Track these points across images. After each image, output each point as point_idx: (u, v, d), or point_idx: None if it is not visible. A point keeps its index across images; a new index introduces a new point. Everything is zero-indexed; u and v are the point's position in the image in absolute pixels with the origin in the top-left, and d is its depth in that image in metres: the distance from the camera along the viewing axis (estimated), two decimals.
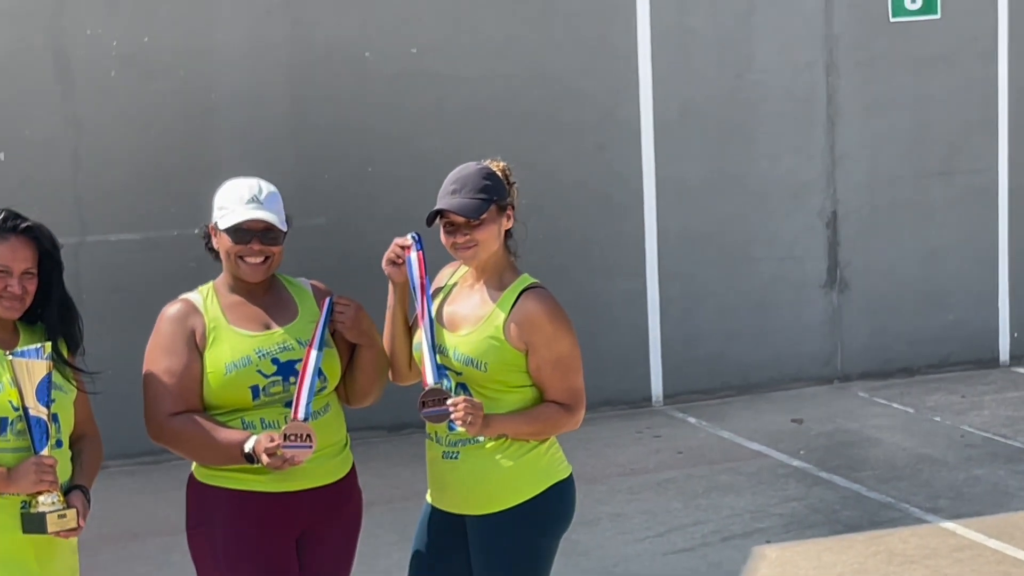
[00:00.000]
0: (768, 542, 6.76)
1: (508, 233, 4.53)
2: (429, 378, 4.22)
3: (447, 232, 4.19)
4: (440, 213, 4.25)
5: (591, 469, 7.84)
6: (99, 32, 7.80)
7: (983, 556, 6.71)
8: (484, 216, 4.36)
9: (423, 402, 4.26)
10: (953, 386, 9.53)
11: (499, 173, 4.51)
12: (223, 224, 4.40)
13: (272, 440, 4.29)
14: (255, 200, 4.46)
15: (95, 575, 5.67)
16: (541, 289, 4.40)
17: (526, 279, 4.38)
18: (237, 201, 4.45)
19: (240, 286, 4.52)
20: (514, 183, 4.59)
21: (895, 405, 9.06)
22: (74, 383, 4.53)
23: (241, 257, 4.42)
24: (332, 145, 8.17)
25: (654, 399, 8.99)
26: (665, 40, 8.81)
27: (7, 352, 4.32)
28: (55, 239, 4.41)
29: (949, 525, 7.03)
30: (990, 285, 9.87)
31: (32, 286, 4.33)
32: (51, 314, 4.47)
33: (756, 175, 9.10)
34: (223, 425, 4.47)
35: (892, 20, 9.34)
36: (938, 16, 9.37)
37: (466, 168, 4.49)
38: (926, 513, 7.28)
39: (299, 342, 4.44)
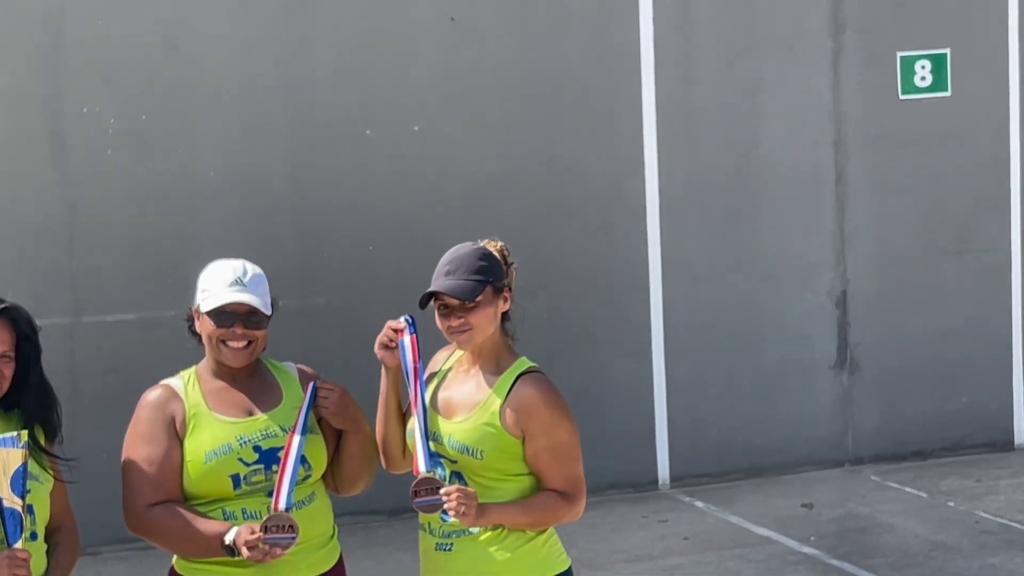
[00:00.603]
0: None
1: (505, 315, 4.45)
2: (421, 466, 4.11)
3: (441, 315, 4.08)
4: (434, 295, 4.17)
5: (594, 555, 7.75)
6: (96, 110, 7.74)
7: None
8: (479, 298, 4.25)
9: (415, 491, 4.13)
10: (967, 470, 9.39)
11: (496, 253, 4.42)
12: (205, 307, 4.32)
13: (253, 532, 4.19)
14: (239, 282, 4.39)
15: None
16: (539, 374, 4.30)
17: (523, 363, 4.29)
18: (220, 283, 4.37)
19: (223, 371, 4.45)
20: (512, 263, 4.51)
21: (908, 489, 8.94)
22: (51, 472, 4.41)
23: (223, 341, 4.36)
24: (332, 224, 8.14)
25: (660, 483, 8.91)
26: (670, 118, 8.82)
27: None
28: (33, 321, 4.34)
29: None
30: (1004, 365, 9.77)
31: (8, 370, 4.24)
32: (28, 399, 4.37)
33: (764, 255, 9.06)
34: (203, 516, 4.36)
35: (901, 98, 9.32)
36: (948, 94, 9.36)
37: (461, 248, 4.39)
38: None
39: (282, 428, 4.36)
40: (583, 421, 4.59)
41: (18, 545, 4.19)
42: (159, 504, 4.36)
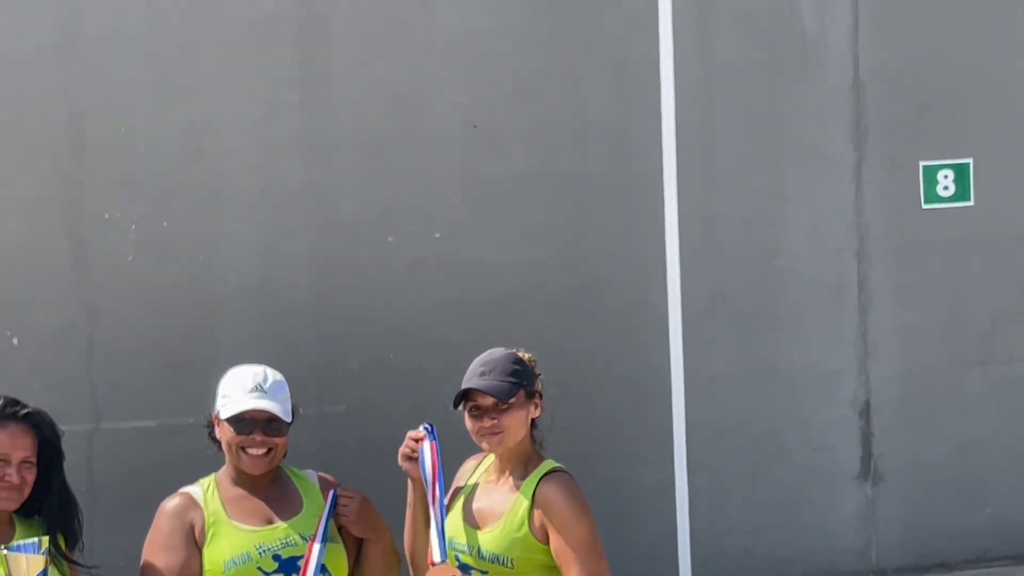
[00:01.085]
0: None
1: (534, 423, 4.48)
2: (436, 555, 4.11)
3: (473, 416, 4.09)
4: (466, 397, 4.15)
5: None
6: (117, 216, 7.73)
7: None
8: (513, 400, 4.28)
9: None
10: None
11: (527, 360, 4.50)
12: (225, 413, 4.41)
13: None
14: (259, 389, 4.46)
15: None
16: (562, 472, 4.29)
17: (549, 464, 4.28)
18: (240, 389, 4.45)
19: (242, 478, 4.48)
20: (539, 375, 4.56)
21: None
22: None
23: (243, 448, 4.41)
24: (353, 331, 8.08)
25: None
26: (692, 225, 8.77)
27: (2, 546, 4.21)
28: (56, 426, 4.48)
29: None
30: None
31: (31, 476, 4.32)
32: (50, 506, 4.43)
33: (786, 363, 8.97)
34: None
35: (924, 207, 9.23)
36: (971, 203, 9.27)
37: (495, 352, 4.47)
38: None
39: (302, 537, 4.37)
40: (604, 528, 4.58)
41: None
42: None
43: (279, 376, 4.60)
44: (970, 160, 9.18)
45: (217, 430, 4.58)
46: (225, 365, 5.01)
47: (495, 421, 4.28)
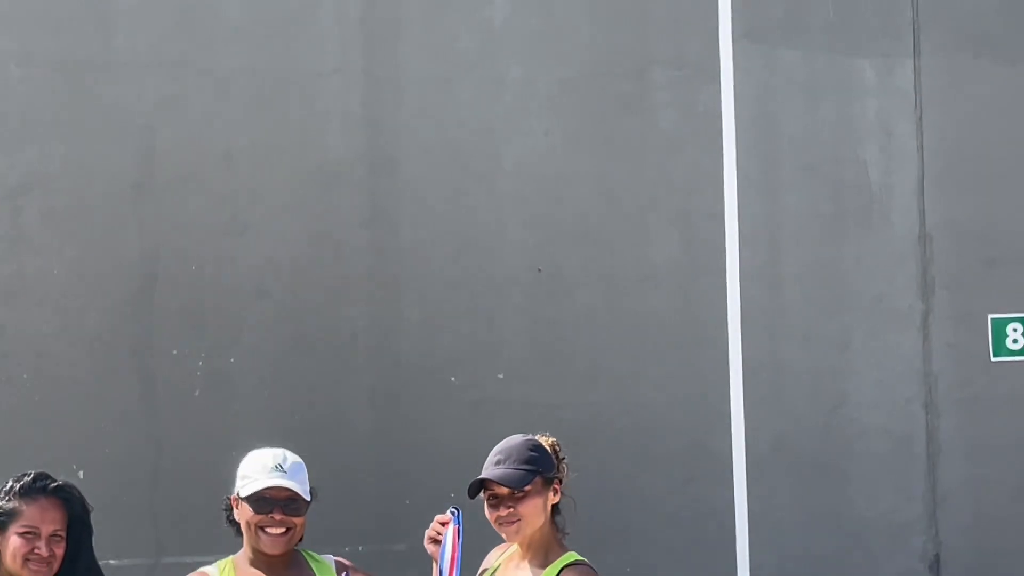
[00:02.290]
0: None
1: (556, 508, 4.39)
2: None
3: (490, 505, 4.07)
4: (483, 485, 4.14)
5: None
6: (185, 352, 7.91)
7: None
8: (528, 488, 4.21)
9: None
10: None
11: (547, 447, 4.42)
12: (244, 492, 4.41)
13: None
14: (279, 468, 4.47)
15: None
16: (584, 566, 4.20)
17: (571, 556, 4.20)
18: (260, 469, 4.47)
19: (260, 559, 4.49)
20: (563, 458, 4.50)
21: None
22: None
23: (262, 528, 4.41)
24: (414, 470, 8.13)
25: None
26: (757, 372, 8.75)
27: None
28: (86, 502, 4.49)
29: None
30: None
31: (60, 550, 4.33)
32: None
33: (853, 514, 8.80)
34: None
35: (993, 360, 9.13)
36: None
37: (512, 439, 4.42)
38: None
39: None
40: None
41: None
42: None
43: (298, 458, 4.63)
44: None
45: (236, 512, 4.59)
46: None
47: (511, 509, 4.24)
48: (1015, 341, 9.11)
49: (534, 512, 4.29)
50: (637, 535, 8.18)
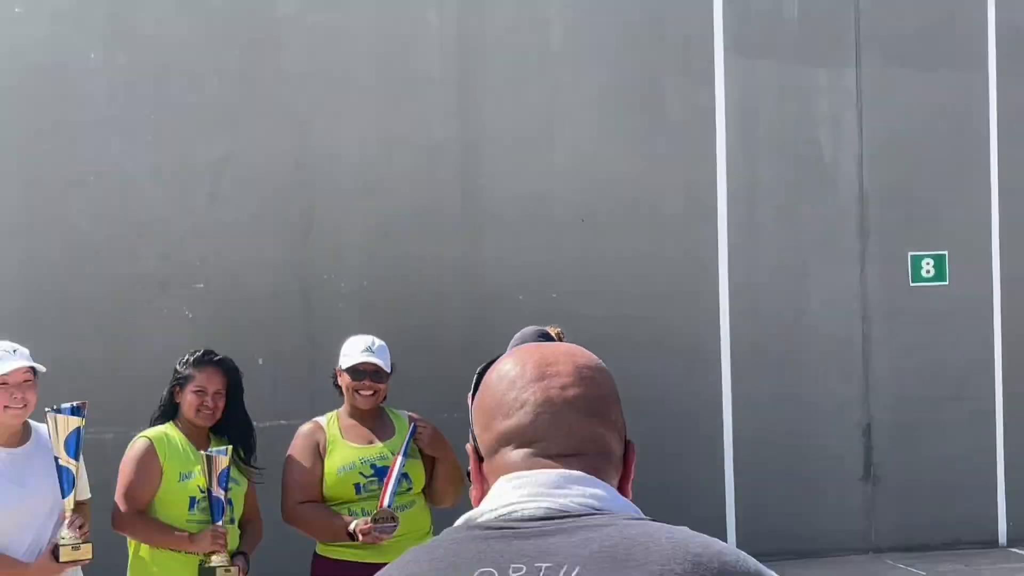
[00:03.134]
0: None
1: None
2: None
3: None
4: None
5: None
6: (331, 277, 9.23)
7: None
8: None
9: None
10: (960, 560, 10.61)
11: (553, 334, 4.99)
12: (344, 365, 5.26)
13: (366, 523, 5.04)
14: (369, 350, 5.24)
15: None
16: None
17: None
18: (356, 350, 5.27)
19: (355, 412, 5.29)
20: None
21: (913, 570, 10.23)
22: (247, 478, 5.43)
23: (356, 391, 5.22)
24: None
25: None
26: (740, 293, 10.21)
27: (202, 451, 5.22)
28: (239, 371, 5.40)
29: None
30: (991, 485, 10.91)
31: (221, 403, 5.25)
32: (234, 427, 5.38)
33: (809, 395, 10.42)
34: (334, 513, 5.18)
35: (911, 285, 10.80)
36: (946, 283, 10.78)
37: (526, 329, 4.81)
38: None
39: (392, 453, 5.15)
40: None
41: (219, 524, 5.20)
42: (305, 503, 5.20)
43: (383, 343, 5.30)
44: (946, 252, 10.89)
45: (339, 379, 5.32)
46: None
47: None
48: (928, 272, 10.83)
49: None
50: (643, 405, 8.76)
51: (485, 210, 9.83)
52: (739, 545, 9.67)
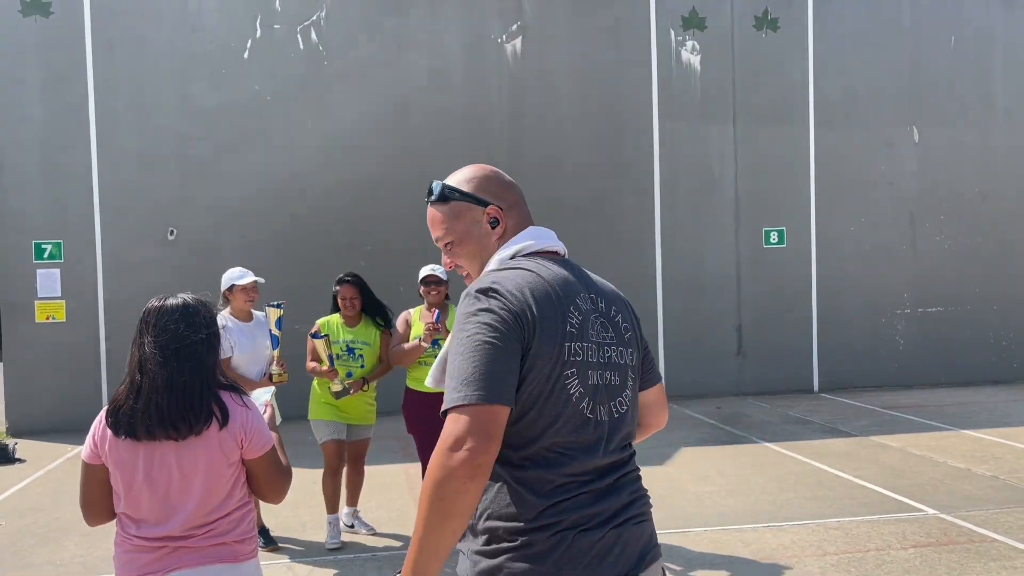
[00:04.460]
0: None
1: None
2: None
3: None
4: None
5: None
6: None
7: None
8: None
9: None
10: (783, 401, 15.71)
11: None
12: (420, 277, 7.84)
13: (426, 329, 7.47)
14: (433, 268, 7.83)
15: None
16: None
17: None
18: (425, 270, 7.86)
19: (428, 306, 7.85)
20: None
21: (761, 405, 14.89)
22: (379, 339, 8.12)
23: (428, 292, 7.74)
24: None
25: None
26: (673, 275, 16.62)
27: (351, 326, 8.14)
28: (364, 282, 8.20)
29: None
30: (807, 348, 16.45)
31: (358, 302, 8.14)
32: (373, 312, 8.23)
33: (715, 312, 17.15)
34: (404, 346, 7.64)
35: (764, 247, 16.30)
36: (785, 246, 16.30)
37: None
38: None
39: (440, 327, 7.58)
40: None
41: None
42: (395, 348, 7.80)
43: (441, 267, 7.11)
44: (784, 228, 16.69)
45: (421, 289, 7.71)
46: None
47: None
48: (775, 240, 16.36)
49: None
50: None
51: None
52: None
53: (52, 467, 12.38)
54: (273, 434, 4.01)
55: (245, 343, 7.85)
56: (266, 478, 3.90)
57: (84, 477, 3.89)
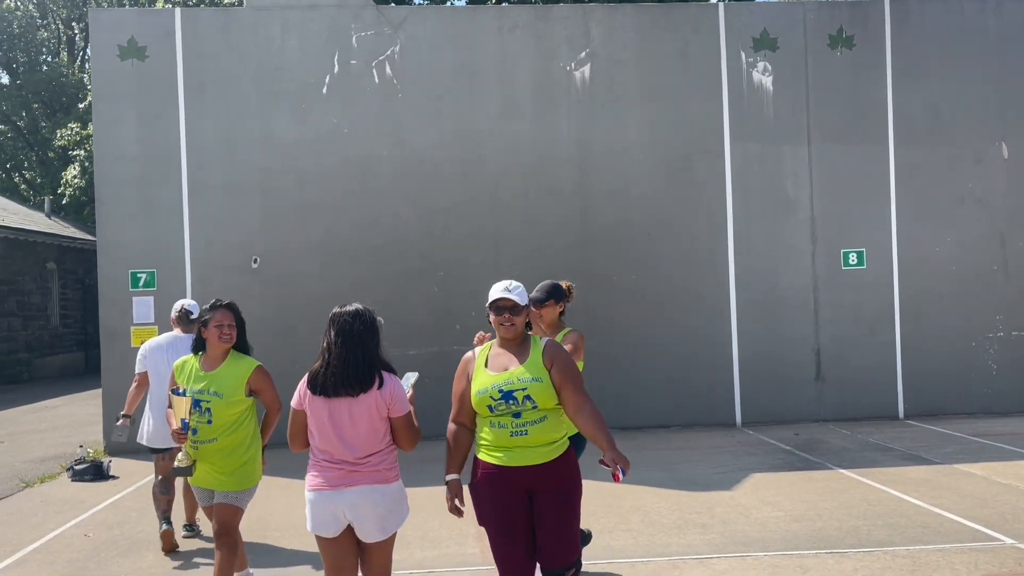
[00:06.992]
0: None
1: (561, 313, 7.05)
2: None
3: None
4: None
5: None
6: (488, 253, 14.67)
7: None
8: (548, 304, 6.92)
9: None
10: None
11: (564, 287, 6.82)
12: (489, 302, 5.59)
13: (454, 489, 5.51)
14: (507, 289, 5.54)
15: None
16: (573, 332, 6.76)
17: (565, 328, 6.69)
18: (496, 291, 5.59)
19: (503, 341, 5.56)
20: (573, 292, 7.24)
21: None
22: (243, 385, 6.97)
23: (500, 324, 5.48)
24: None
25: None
26: (746, 286, 15.84)
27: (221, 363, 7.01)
28: (240, 313, 7.01)
29: None
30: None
31: (233, 333, 7.01)
32: (241, 345, 7.16)
33: (783, 335, 15.79)
34: (453, 454, 5.55)
35: (843, 269, 16.01)
36: (865, 267, 15.77)
37: (545, 282, 6.95)
38: None
39: (519, 379, 5.28)
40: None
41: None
42: (459, 425, 5.58)
43: (520, 284, 5.50)
44: (864, 249, 16.22)
45: (489, 316, 5.51)
46: None
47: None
48: (854, 261, 15.90)
49: (553, 314, 6.86)
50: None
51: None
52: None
53: (141, 484, 12.85)
54: (410, 407, 5.52)
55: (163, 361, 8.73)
56: (402, 433, 5.50)
57: (292, 418, 5.56)
